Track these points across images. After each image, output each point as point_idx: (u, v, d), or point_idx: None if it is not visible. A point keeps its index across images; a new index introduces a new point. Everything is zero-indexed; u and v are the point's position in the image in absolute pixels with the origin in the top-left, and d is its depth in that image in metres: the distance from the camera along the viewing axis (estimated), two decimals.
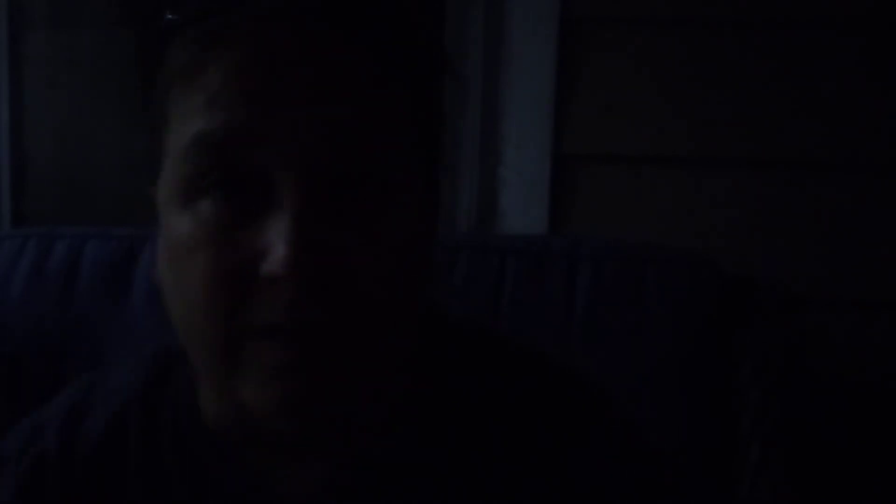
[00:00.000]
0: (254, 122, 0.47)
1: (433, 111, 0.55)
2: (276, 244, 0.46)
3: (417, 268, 0.52)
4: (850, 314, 1.32)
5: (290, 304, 0.47)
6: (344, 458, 0.56)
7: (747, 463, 1.02)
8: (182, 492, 0.58)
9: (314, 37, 0.48)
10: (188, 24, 0.50)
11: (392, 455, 0.56)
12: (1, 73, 1.54)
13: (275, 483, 0.57)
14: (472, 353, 0.60)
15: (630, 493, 0.58)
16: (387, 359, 0.52)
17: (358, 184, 0.49)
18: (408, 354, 0.56)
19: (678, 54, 1.31)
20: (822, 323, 1.29)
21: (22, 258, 1.19)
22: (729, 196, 1.33)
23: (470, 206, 1.39)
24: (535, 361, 0.62)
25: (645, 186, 1.34)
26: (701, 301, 1.10)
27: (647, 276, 1.10)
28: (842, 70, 1.29)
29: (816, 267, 1.32)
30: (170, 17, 0.50)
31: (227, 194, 0.48)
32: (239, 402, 0.50)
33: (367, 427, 0.57)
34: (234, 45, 0.48)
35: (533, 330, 1.11)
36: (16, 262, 1.19)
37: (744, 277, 1.12)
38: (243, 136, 0.47)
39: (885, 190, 1.31)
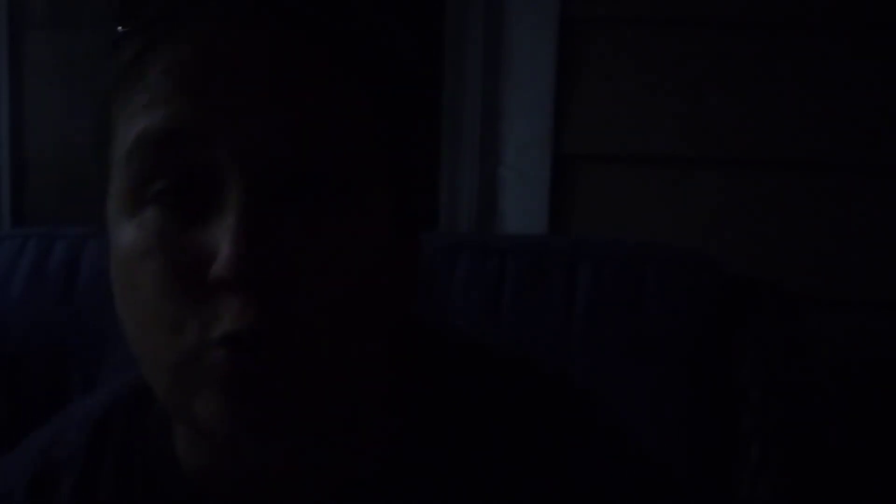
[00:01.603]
0: (197, 118, 0.45)
1: (403, 115, 0.52)
2: (222, 245, 0.43)
3: (383, 272, 0.49)
4: (850, 314, 1.32)
5: (239, 308, 0.44)
6: (324, 493, 0.54)
7: (747, 463, 1.02)
8: None
9: (264, 33, 0.46)
10: (135, 33, 0.48)
11: (388, 460, 0.55)
12: (1, 73, 1.54)
13: None
14: (467, 357, 0.59)
15: (626, 493, 0.57)
16: (350, 366, 0.49)
17: (311, 184, 0.46)
18: (377, 364, 0.53)
19: (678, 54, 1.31)
20: (822, 323, 1.29)
21: (22, 258, 1.19)
22: (729, 196, 1.33)
23: (470, 206, 1.39)
24: (529, 365, 0.61)
25: (645, 186, 1.34)
26: (701, 301, 1.10)
27: (647, 276, 1.10)
28: (842, 70, 1.29)
29: (816, 267, 1.32)
30: (120, 28, 0.48)
31: (173, 199, 0.46)
32: (198, 424, 0.47)
33: (340, 455, 0.54)
34: (177, 44, 0.46)
35: (533, 330, 1.11)
36: (16, 262, 1.19)
37: (744, 277, 1.12)
38: (186, 133, 0.45)
39: (885, 190, 1.31)
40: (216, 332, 0.45)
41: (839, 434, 1.27)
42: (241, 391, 0.45)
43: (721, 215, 1.33)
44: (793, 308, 1.09)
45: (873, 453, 1.29)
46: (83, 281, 1.17)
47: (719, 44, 1.31)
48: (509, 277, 1.12)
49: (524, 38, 1.33)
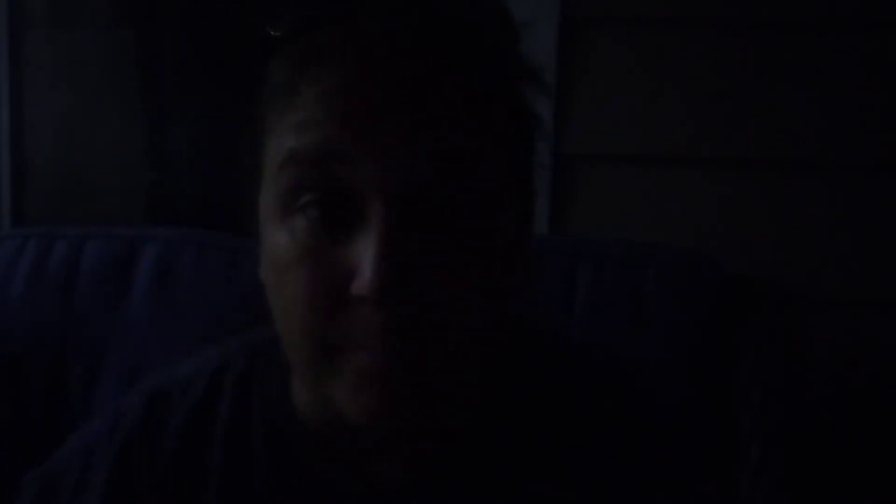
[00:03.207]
0: (343, 142, 0.48)
1: (527, 126, 0.56)
2: (364, 266, 0.47)
3: (508, 286, 0.53)
4: (850, 314, 1.32)
5: (377, 325, 0.48)
6: (429, 451, 0.58)
7: (747, 463, 1.02)
8: (270, 478, 0.59)
9: (408, 59, 0.50)
10: (287, 40, 0.52)
11: (477, 448, 0.59)
12: (1, 73, 1.54)
13: (363, 473, 0.58)
14: (553, 354, 0.63)
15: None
16: (471, 370, 0.53)
17: (449, 205, 0.49)
18: (492, 363, 0.57)
19: (677, 54, 1.31)
20: (821, 323, 1.29)
21: (22, 258, 1.19)
22: (729, 196, 1.33)
23: None
24: (607, 364, 0.65)
25: (645, 186, 1.34)
26: (701, 301, 1.10)
27: (648, 276, 1.10)
28: (842, 70, 1.29)
29: (816, 267, 1.32)
30: (271, 32, 0.52)
31: (321, 212, 0.50)
32: (331, 402, 0.52)
33: (452, 427, 0.59)
34: (328, 66, 0.50)
35: None
36: (16, 262, 1.19)
37: (744, 277, 1.12)
38: (333, 155, 0.49)
39: (885, 190, 1.31)
40: (355, 338, 0.49)
41: (839, 434, 1.27)
42: (372, 388, 0.50)
43: (721, 215, 1.33)
44: (793, 308, 1.09)
45: (873, 453, 1.29)
46: (83, 281, 1.17)
47: (719, 44, 1.31)
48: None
49: (524, 38, 1.33)
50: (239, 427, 0.61)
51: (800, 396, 1.06)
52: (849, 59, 1.29)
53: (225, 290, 1.15)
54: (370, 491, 0.58)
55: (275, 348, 0.59)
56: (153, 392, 0.64)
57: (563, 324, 1.10)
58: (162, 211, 1.63)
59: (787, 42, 1.30)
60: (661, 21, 1.31)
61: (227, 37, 1.55)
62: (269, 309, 0.55)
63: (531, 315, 0.64)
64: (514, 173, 0.54)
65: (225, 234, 1.20)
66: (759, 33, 1.30)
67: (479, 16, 0.53)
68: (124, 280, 1.17)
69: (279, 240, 0.51)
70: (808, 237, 1.32)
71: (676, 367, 1.08)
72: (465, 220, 0.50)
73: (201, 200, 1.61)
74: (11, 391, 1.15)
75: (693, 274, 1.11)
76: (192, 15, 1.60)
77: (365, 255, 0.47)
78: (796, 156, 1.32)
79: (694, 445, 0.64)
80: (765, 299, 1.10)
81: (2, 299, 1.17)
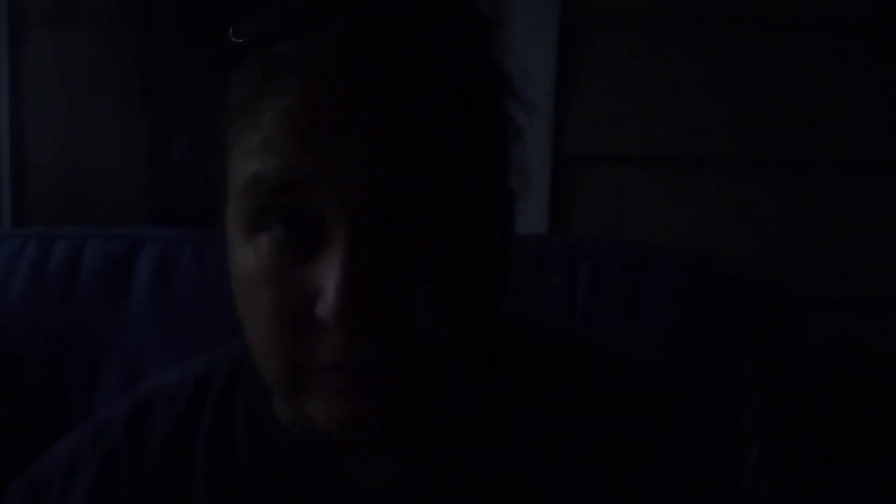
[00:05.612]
0: (305, 166, 0.47)
1: (500, 136, 0.55)
2: (327, 288, 0.46)
3: (480, 301, 0.52)
4: (850, 314, 1.32)
5: (342, 345, 0.47)
6: (416, 456, 0.58)
7: (747, 463, 1.02)
8: (256, 487, 0.59)
9: (371, 75, 0.48)
10: (249, 49, 0.50)
11: (465, 451, 0.58)
12: (1, 73, 1.54)
13: (350, 480, 0.58)
14: (545, 353, 0.63)
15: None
16: (445, 384, 0.52)
17: (413, 225, 0.48)
18: (472, 372, 0.57)
19: (678, 54, 1.31)
20: (822, 323, 1.29)
21: (22, 258, 1.19)
22: (729, 196, 1.33)
23: None
24: (609, 363, 0.65)
25: (644, 186, 1.34)
26: (700, 301, 1.10)
27: (647, 276, 1.10)
28: (842, 70, 1.29)
29: (816, 267, 1.32)
30: (234, 39, 0.51)
31: (285, 232, 0.49)
32: (307, 418, 0.51)
33: (435, 432, 0.58)
34: (289, 82, 0.48)
35: None
36: (16, 262, 1.19)
37: (743, 277, 1.12)
38: (295, 179, 0.47)
39: (886, 190, 1.31)
40: (322, 358, 0.48)
41: (839, 434, 1.27)
42: (343, 403, 0.49)
43: (721, 215, 1.33)
44: (793, 308, 1.09)
45: (873, 453, 1.29)
46: (83, 281, 1.17)
47: (719, 44, 1.31)
48: (509, 277, 1.12)
49: (524, 38, 1.33)
50: (223, 436, 0.60)
51: (800, 397, 1.06)
52: (848, 59, 1.29)
53: (225, 290, 1.15)
54: (358, 497, 0.58)
55: None
56: (137, 402, 0.63)
57: (562, 324, 1.10)
58: (162, 211, 1.63)
59: (787, 42, 1.30)
60: (662, 21, 1.31)
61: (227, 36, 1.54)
62: None
63: (529, 315, 0.63)
64: (487, 184, 0.53)
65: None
66: (760, 33, 1.30)
67: (447, 26, 0.51)
68: (124, 280, 1.17)
69: (245, 257, 0.51)
70: (807, 237, 1.32)
71: (676, 367, 1.08)
72: (432, 239, 0.49)
73: (201, 200, 1.61)
74: (11, 391, 1.15)
75: (693, 274, 1.11)
76: (192, 15, 1.59)
77: (328, 279, 0.46)
78: (796, 156, 1.32)
79: (694, 442, 0.64)
80: (764, 299, 1.10)
81: (2, 299, 1.17)
